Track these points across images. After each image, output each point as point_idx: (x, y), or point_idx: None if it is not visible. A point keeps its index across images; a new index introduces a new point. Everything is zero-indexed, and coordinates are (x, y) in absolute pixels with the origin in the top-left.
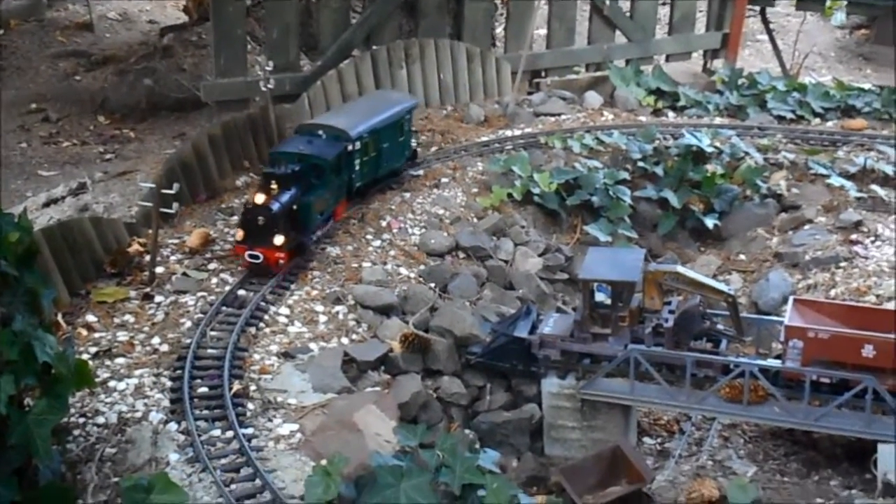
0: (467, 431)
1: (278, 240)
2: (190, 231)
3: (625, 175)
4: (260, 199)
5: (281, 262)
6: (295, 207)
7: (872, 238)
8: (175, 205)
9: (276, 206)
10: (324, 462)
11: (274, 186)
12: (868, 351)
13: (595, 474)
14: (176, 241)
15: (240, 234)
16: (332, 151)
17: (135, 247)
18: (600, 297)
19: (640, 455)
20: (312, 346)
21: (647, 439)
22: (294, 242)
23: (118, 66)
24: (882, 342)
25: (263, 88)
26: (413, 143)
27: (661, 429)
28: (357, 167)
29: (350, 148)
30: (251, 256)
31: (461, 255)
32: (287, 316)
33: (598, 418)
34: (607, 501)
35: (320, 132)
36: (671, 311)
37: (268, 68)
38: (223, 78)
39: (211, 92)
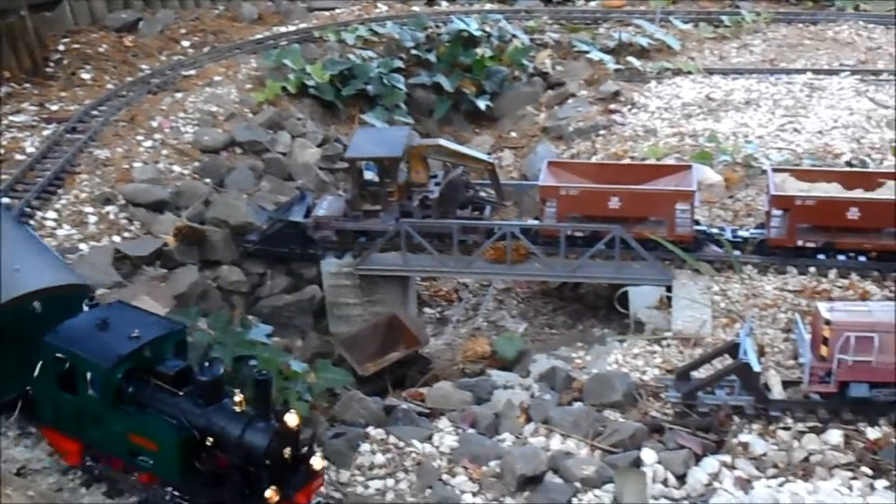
0: (250, 317)
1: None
2: None
3: (399, 63)
4: (291, 420)
5: None
6: None
7: (629, 106)
8: None
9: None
10: None
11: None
12: (615, 203)
13: (374, 343)
14: None
15: (273, 495)
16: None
17: None
18: (369, 175)
19: (418, 321)
20: (82, 246)
21: (427, 309)
22: None
23: None
24: (626, 193)
25: None
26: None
27: (441, 299)
28: None
29: None
30: None
31: (237, 150)
32: (55, 220)
33: (378, 292)
34: (386, 366)
35: (34, 304)
36: (437, 184)
37: None
38: None
39: None
